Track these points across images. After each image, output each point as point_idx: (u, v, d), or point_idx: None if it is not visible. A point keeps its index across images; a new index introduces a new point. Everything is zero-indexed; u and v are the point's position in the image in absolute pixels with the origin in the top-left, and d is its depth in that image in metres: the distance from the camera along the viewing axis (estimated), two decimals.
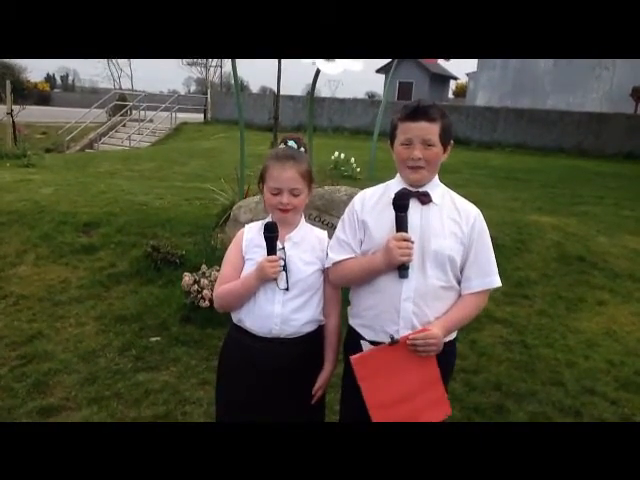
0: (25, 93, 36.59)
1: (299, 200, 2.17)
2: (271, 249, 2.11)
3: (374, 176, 6.16)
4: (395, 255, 1.95)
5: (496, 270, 2.13)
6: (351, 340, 2.20)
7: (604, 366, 4.08)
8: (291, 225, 2.22)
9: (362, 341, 2.05)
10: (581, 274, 5.55)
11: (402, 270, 1.98)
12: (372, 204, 2.13)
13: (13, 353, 3.98)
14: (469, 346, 4.21)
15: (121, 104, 24.77)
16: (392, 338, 1.93)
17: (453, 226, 2.06)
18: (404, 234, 1.97)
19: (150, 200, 6.91)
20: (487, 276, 2.10)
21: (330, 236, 2.29)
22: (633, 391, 3.77)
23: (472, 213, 2.12)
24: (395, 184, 2.14)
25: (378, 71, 34.73)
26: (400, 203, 2.00)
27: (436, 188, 2.12)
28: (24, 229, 5.83)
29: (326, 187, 5.14)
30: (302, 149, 2.25)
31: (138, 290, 4.88)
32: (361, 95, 46.88)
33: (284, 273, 2.13)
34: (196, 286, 4.42)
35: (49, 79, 60.80)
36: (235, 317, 2.24)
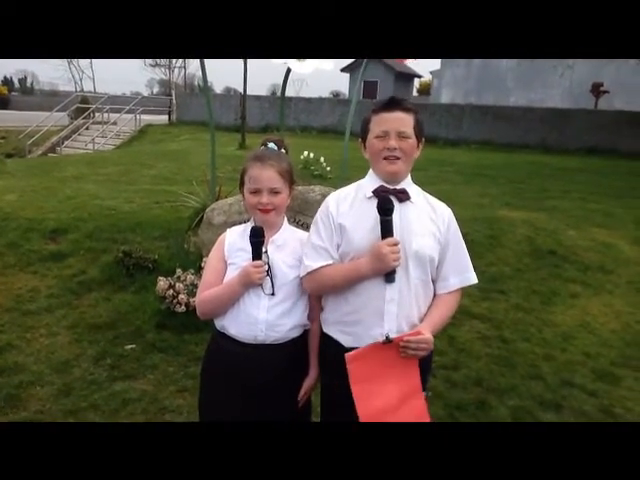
0: None
1: (279, 199, 2.12)
2: (257, 254, 2.06)
3: (347, 175, 6.14)
4: (389, 261, 1.90)
5: (471, 267, 2.14)
6: (328, 349, 2.12)
7: (581, 358, 4.15)
8: (273, 227, 2.17)
9: (347, 354, 1.96)
10: (553, 268, 5.63)
11: (390, 275, 1.94)
12: (348, 206, 2.06)
13: None
14: (448, 342, 4.22)
15: (83, 107, 24.27)
16: (387, 337, 1.91)
17: (431, 225, 2.05)
18: (395, 239, 1.93)
19: (119, 204, 6.78)
20: (464, 273, 2.11)
21: None
22: (610, 382, 3.84)
23: (446, 212, 2.11)
24: (368, 182, 2.09)
25: (343, 70, 34.79)
26: (386, 207, 1.94)
27: (411, 186, 2.09)
28: None
29: (299, 187, 5.09)
30: (283, 150, 2.22)
31: (110, 297, 4.77)
32: (325, 94, 46.88)
33: (268, 278, 2.08)
34: (171, 291, 4.33)
35: (7, 82, 59.37)
36: (218, 324, 2.18)
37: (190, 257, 4.97)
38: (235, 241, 2.18)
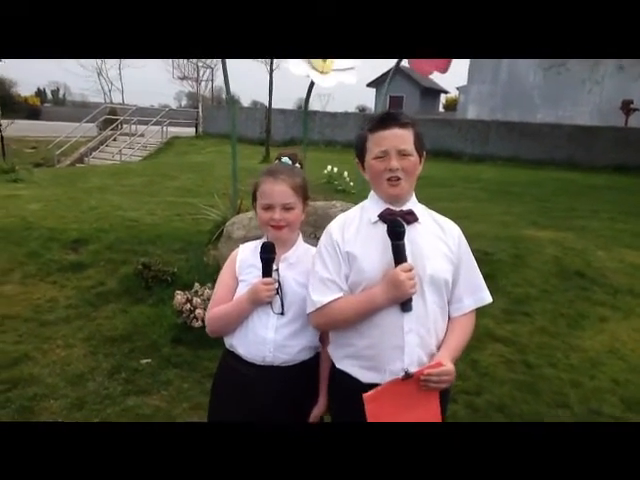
0: (15, 107, 36.38)
1: (293, 215, 2.05)
2: (266, 271, 1.99)
3: (369, 190, 6.06)
4: (407, 288, 1.78)
5: (485, 285, 2.03)
6: (343, 384, 1.98)
7: (609, 386, 3.97)
8: (287, 244, 2.10)
9: (365, 395, 1.82)
10: (581, 290, 5.44)
11: (407, 303, 1.82)
12: (353, 232, 1.93)
13: None
14: (470, 366, 4.08)
15: (111, 118, 24.65)
16: (407, 372, 1.79)
17: (441, 246, 1.93)
18: (408, 264, 1.81)
19: (141, 216, 6.79)
20: (478, 293, 2.01)
21: None
22: None
23: (455, 229, 2.01)
24: (371, 205, 1.97)
25: (369, 85, 34.89)
26: (397, 231, 1.82)
27: (416, 205, 1.98)
28: (10, 246, 5.68)
29: (319, 202, 5.03)
30: (297, 165, 2.16)
31: (128, 309, 4.73)
32: (352, 109, 47.04)
33: (278, 296, 2.01)
34: (188, 305, 4.28)
35: (40, 93, 60.64)
36: (227, 342, 2.13)
37: (209, 271, 4.93)
38: (247, 257, 2.12)
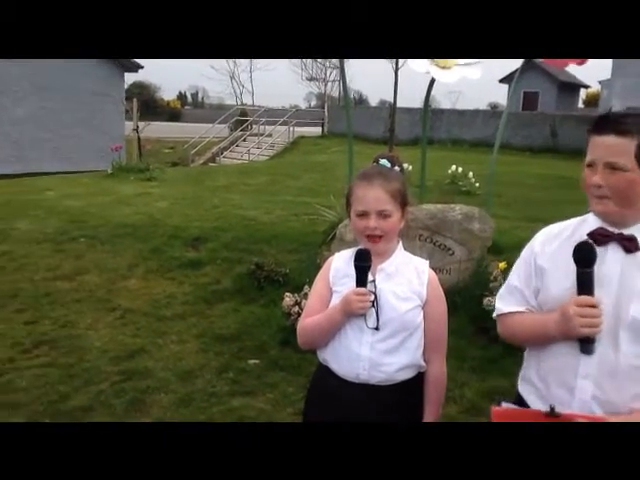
0: (158, 110, 39.15)
1: (390, 224, 1.85)
2: (360, 280, 1.82)
3: (494, 191, 5.68)
4: (575, 325, 1.48)
5: None
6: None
7: None
8: (384, 254, 1.91)
9: (495, 409, 1.58)
10: None
11: (586, 344, 1.51)
12: (556, 246, 1.67)
13: (115, 368, 3.99)
14: None
15: (242, 119, 25.69)
16: (552, 409, 1.49)
17: None
18: (590, 299, 1.50)
19: (259, 215, 6.89)
20: None
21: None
22: None
23: None
24: (592, 219, 1.65)
25: (501, 81, 33.34)
26: (583, 256, 1.52)
27: None
28: (137, 242, 5.98)
29: (438, 205, 4.75)
30: (397, 168, 1.96)
31: (240, 309, 4.78)
32: (483, 106, 45.34)
33: (373, 310, 1.83)
34: (297, 308, 4.22)
35: (181, 97, 64.88)
36: (320, 356, 1.98)
37: None
38: (341, 266, 1.96)
